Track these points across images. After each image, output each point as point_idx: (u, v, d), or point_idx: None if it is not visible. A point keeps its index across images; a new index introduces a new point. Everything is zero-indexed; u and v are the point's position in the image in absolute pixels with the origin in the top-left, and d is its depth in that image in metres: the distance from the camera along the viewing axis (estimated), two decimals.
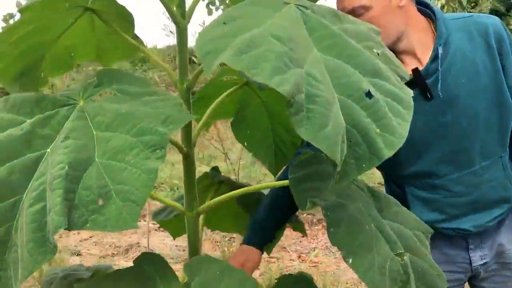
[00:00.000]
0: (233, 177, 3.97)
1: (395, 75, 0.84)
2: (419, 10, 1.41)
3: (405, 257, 0.94)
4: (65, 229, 0.69)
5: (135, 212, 0.71)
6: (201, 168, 5.16)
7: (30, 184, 0.76)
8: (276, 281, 1.08)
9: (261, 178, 5.32)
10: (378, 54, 0.84)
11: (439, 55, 1.33)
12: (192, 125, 1.08)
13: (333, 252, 3.32)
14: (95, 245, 3.86)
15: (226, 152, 4.09)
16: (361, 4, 1.30)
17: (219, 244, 3.59)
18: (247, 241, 1.43)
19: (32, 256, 0.71)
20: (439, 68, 1.33)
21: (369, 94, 0.78)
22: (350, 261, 0.87)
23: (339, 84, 0.77)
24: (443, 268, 1.46)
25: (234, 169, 3.99)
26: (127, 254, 3.58)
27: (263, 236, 1.42)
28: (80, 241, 3.95)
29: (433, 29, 1.38)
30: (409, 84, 1.37)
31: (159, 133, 0.78)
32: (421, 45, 1.37)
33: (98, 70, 0.89)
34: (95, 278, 0.90)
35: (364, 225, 0.92)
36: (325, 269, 3.14)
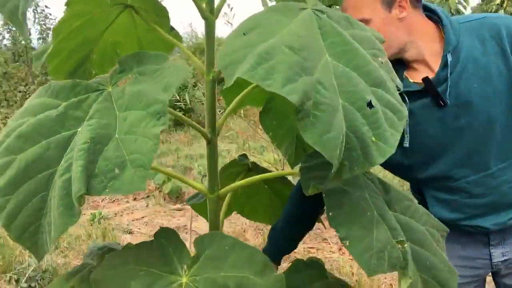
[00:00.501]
0: (279, 167, 4.05)
1: (394, 85, 0.89)
2: (427, 16, 1.41)
3: (405, 245, 0.97)
4: (84, 194, 0.79)
5: (144, 174, 0.80)
6: (254, 159, 5.27)
7: (62, 158, 0.88)
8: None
9: None
10: (382, 63, 0.89)
11: (449, 62, 1.33)
12: (217, 115, 1.16)
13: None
14: (146, 225, 4.06)
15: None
16: (363, 17, 1.32)
17: (261, 231, 3.69)
18: (265, 251, 1.49)
19: (61, 219, 0.82)
20: (449, 75, 1.33)
21: (370, 104, 0.83)
22: (347, 243, 0.92)
23: (345, 91, 0.83)
24: (462, 263, 1.47)
25: (280, 159, 4.05)
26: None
27: (282, 247, 1.48)
28: (132, 220, 4.17)
29: (443, 35, 1.37)
30: (421, 92, 1.39)
31: (160, 101, 0.86)
32: (431, 53, 1.37)
33: (120, 57, 0.99)
34: (126, 247, 1.00)
35: (365, 211, 0.97)
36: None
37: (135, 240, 3.68)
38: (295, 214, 1.47)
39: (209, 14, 1.12)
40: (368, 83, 0.85)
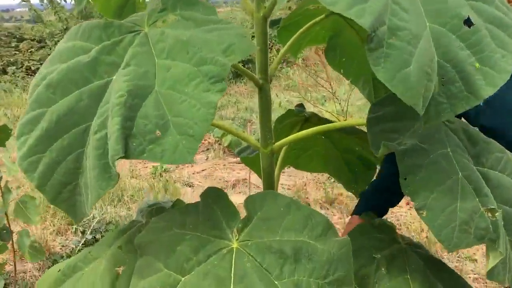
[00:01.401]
0: (341, 118, 3.86)
1: None
2: None
3: (496, 214, 0.81)
4: (121, 157, 0.69)
5: (193, 146, 0.69)
6: (315, 109, 5.11)
7: (97, 111, 0.78)
8: None
9: None
10: None
11: None
12: (269, 60, 1.02)
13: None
14: (206, 178, 4.06)
15: (335, 92, 3.96)
16: None
17: (322, 185, 3.57)
18: (356, 212, 1.39)
19: (97, 182, 0.73)
20: None
21: (468, 21, 0.67)
22: (424, 214, 0.78)
23: (432, 10, 0.67)
24: None
25: (343, 109, 3.86)
26: (235, 188, 3.72)
27: (372, 210, 1.35)
28: (193, 173, 4.18)
29: None
30: None
31: (220, 63, 0.74)
32: None
33: None
34: (170, 209, 0.92)
35: (448, 174, 0.81)
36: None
37: (196, 193, 3.69)
38: (382, 185, 1.35)
39: None
40: None
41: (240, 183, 3.75)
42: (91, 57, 0.81)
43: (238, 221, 0.84)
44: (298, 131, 1.29)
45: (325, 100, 6.09)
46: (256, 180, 3.49)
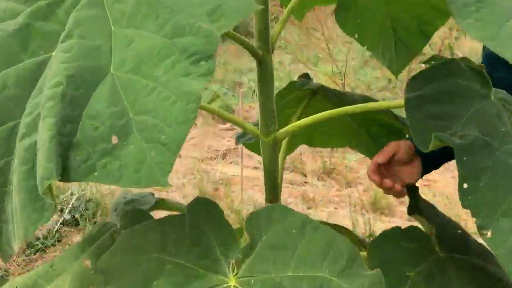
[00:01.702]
0: (338, 80, 3.62)
1: None
2: None
3: None
4: (59, 180, 0.46)
5: (166, 159, 0.46)
6: (307, 70, 4.85)
7: (27, 104, 0.54)
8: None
9: (371, 82, 4.87)
10: None
11: None
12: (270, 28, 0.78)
13: (451, 170, 2.89)
14: (194, 146, 3.84)
15: (331, 52, 3.70)
16: None
17: (319, 153, 3.36)
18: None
19: (25, 211, 0.50)
20: None
21: None
22: (489, 234, 0.58)
23: None
24: None
25: (340, 71, 3.61)
26: (225, 158, 3.51)
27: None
28: None
29: None
30: None
31: (204, 33, 0.50)
32: None
33: None
34: (146, 223, 0.70)
35: None
36: (440, 189, 2.78)
37: (184, 164, 3.46)
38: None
39: None
40: None
41: (231, 153, 3.53)
42: (20, 24, 0.57)
43: (237, 248, 0.62)
44: (305, 108, 1.07)
45: (318, 61, 5.81)
46: (249, 152, 3.26)
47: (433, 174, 2.96)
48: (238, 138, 1.16)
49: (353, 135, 1.19)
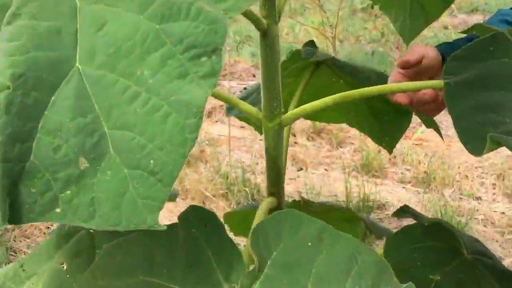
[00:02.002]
0: (328, 33, 3.44)
1: None
2: None
3: None
4: (9, 223, 0.34)
5: (156, 194, 0.34)
6: (291, 21, 4.61)
7: None
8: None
9: (360, 34, 4.68)
10: None
11: None
12: None
13: (443, 129, 2.81)
14: None
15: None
16: None
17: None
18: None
19: None
20: None
21: None
22: None
23: None
24: None
25: (330, 24, 3.42)
26: (211, 117, 3.36)
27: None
28: None
29: None
30: None
31: (207, 18, 0.37)
32: None
33: None
34: (132, 236, 0.58)
35: None
36: (433, 148, 2.70)
37: None
38: None
39: None
40: None
41: (216, 111, 3.38)
42: None
43: (241, 269, 0.51)
44: (309, 79, 0.94)
45: (304, 10, 5.57)
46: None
47: (425, 134, 2.88)
48: (229, 110, 1.03)
49: (354, 112, 1.07)
